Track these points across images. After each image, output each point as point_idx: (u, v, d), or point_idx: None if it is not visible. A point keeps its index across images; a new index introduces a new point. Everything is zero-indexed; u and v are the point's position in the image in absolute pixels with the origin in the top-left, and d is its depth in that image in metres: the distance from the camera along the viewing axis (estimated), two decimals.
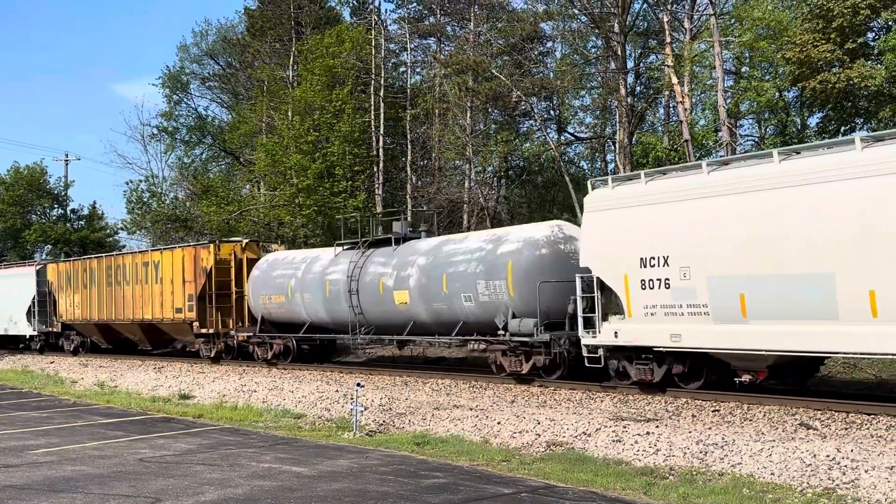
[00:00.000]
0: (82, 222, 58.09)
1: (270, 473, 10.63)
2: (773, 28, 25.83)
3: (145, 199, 50.62)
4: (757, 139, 31.11)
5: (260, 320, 26.24)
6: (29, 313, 36.56)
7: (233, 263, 27.48)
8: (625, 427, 12.21)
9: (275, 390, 18.66)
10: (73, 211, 59.09)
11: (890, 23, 21.85)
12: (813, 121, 28.23)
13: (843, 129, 25.83)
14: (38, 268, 37.22)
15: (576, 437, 12.17)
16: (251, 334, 26.50)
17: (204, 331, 27.52)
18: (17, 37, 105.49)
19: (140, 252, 32.26)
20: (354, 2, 45.39)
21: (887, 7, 21.82)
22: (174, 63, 51.57)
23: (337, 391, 17.61)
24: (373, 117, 37.29)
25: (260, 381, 20.28)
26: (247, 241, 28.55)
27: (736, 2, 31.42)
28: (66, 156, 59.60)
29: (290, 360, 25.38)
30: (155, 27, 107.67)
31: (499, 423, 13.35)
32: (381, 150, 37.20)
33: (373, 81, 37.38)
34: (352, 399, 14.22)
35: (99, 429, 15.24)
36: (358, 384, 14.67)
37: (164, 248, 30.48)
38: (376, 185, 37.13)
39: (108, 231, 57.39)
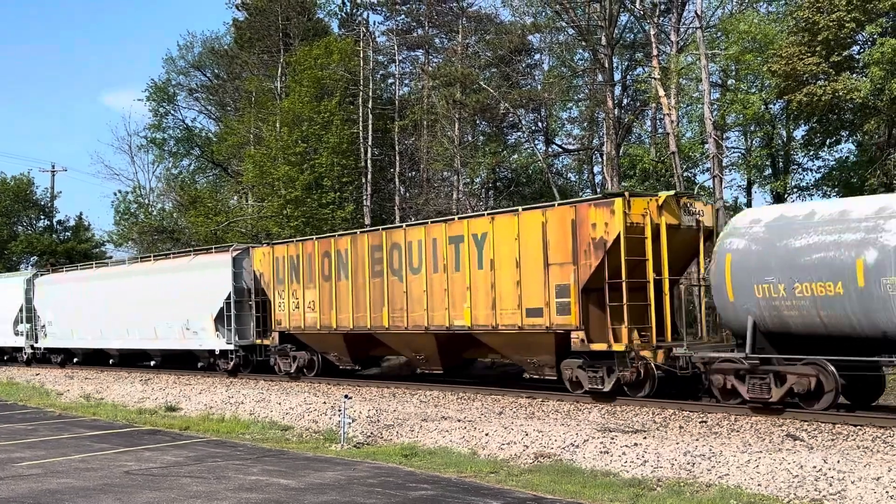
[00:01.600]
0: (69, 233, 57.86)
1: (258, 486, 10.58)
2: (760, 41, 26.05)
3: (132, 210, 50.49)
4: (743, 151, 31.31)
5: (751, 330, 14.53)
6: (220, 319, 25.91)
7: (647, 231, 16.62)
8: (612, 438, 12.21)
9: (262, 402, 18.58)
10: (59, 222, 58.89)
11: (875, 36, 22.04)
12: (799, 133, 28.48)
13: (828, 141, 26.05)
14: (236, 254, 26.15)
15: (563, 448, 12.17)
16: (727, 355, 15.08)
17: (597, 347, 16.64)
18: (2, 45, 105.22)
19: (443, 221, 20.20)
20: (343, 14, 45.55)
21: (872, 20, 22.02)
22: (160, 75, 51.64)
23: (324, 403, 17.55)
24: (361, 129, 37.33)
25: (247, 393, 20.20)
26: (667, 194, 17.23)
27: (722, 15, 31.72)
28: (53, 166, 59.47)
29: (831, 404, 14.02)
30: (142, 36, 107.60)
31: (487, 434, 13.34)
32: (369, 161, 37.22)
33: (361, 93, 37.44)
34: (339, 411, 14.18)
35: (85, 441, 15.14)
36: (346, 396, 14.64)
37: (498, 212, 19.20)
38: (364, 197, 37.14)
39: (95, 242, 57.19)
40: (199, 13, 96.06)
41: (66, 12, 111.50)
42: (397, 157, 38.03)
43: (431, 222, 20.58)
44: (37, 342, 34.95)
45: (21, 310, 35.33)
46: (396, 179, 38.52)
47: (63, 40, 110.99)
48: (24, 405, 22.09)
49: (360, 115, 37.45)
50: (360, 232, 22.90)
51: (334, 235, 23.35)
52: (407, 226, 21.35)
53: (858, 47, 23.71)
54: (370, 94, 37.60)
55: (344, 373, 24.57)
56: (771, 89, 25.82)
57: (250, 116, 41.36)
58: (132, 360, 32.08)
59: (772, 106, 28.16)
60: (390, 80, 42.44)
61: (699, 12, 27.01)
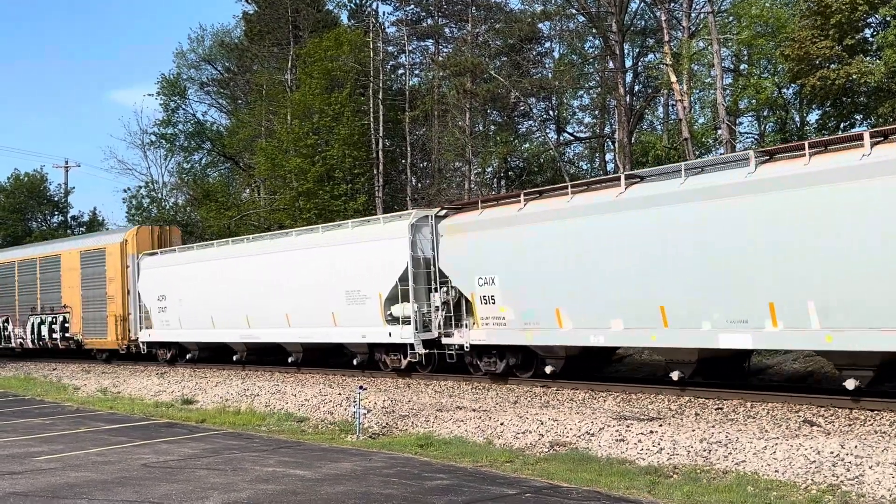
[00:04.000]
0: (83, 229, 58.14)
1: (274, 477, 10.61)
2: (772, 25, 25.87)
3: (145, 206, 50.67)
4: (756, 137, 31.14)
5: None
6: None
7: None
8: (628, 426, 12.18)
9: (277, 394, 18.63)
10: (73, 218, 59.20)
11: (888, 18, 21.86)
12: (812, 117, 28.30)
13: (842, 125, 25.88)
14: None
15: (579, 436, 12.15)
16: None
17: None
18: (11, 44, 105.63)
19: None
20: (352, 5, 45.50)
21: (885, 2, 21.82)
22: (171, 70, 51.77)
23: (339, 394, 17.59)
24: (372, 120, 37.33)
25: (262, 385, 20.26)
26: None
27: None
28: (66, 162, 59.74)
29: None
30: (153, 33, 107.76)
31: (502, 423, 13.33)
32: (380, 152, 37.23)
33: (371, 84, 37.42)
34: (354, 402, 14.21)
35: (102, 435, 15.22)
36: (360, 387, 14.65)
37: None
38: (376, 188, 37.14)
39: None
40: (208, 7, 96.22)
41: (75, 9, 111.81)
42: (408, 148, 38.02)
43: None
44: (449, 334, 19.74)
45: (405, 278, 20.33)
46: (408, 170, 38.51)
47: (74, 37, 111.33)
48: (41, 400, 22.22)
49: (371, 106, 37.44)
50: None
51: None
52: None
53: (871, 30, 23.53)
54: (381, 84, 37.57)
55: None
56: (784, 73, 25.65)
57: (261, 109, 41.41)
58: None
59: (785, 90, 27.99)
60: (400, 71, 42.43)
61: None
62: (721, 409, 14.15)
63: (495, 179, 39.11)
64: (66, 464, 12.15)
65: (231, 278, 25.48)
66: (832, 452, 9.81)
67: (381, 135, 37.23)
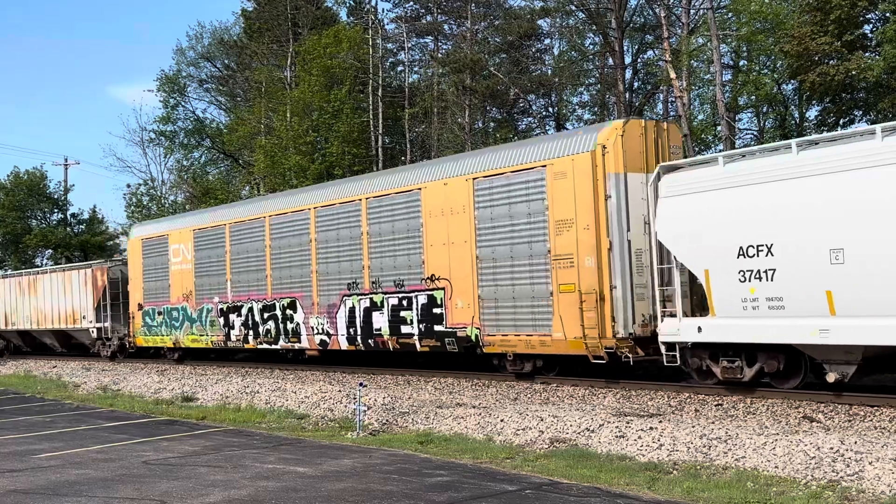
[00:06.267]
0: (83, 226, 58.10)
1: (274, 474, 10.63)
2: (771, 21, 25.87)
3: (145, 203, 50.65)
4: (756, 132, 31.15)
5: None
6: None
7: None
8: (628, 422, 12.19)
9: (277, 391, 18.64)
10: (73, 215, 59.15)
11: (887, 14, 21.85)
12: (812, 113, 28.32)
13: (842, 121, 25.90)
14: None
15: (579, 433, 12.16)
16: None
17: None
18: (9, 38, 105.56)
19: None
20: (351, 2, 45.49)
21: None
22: (171, 66, 51.76)
23: (340, 391, 17.59)
24: (371, 117, 37.33)
25: (263, 382, 20.26)
26: None
27: None
28: (66, 160, 59.62)
29: None
30: (151, 29, 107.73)
31: (502, 420, 13.34)
32: (380, 149, 37.22)
33: (371, 81, 37.41)
34: (354, 399, 14.22)
35: (102, 432, 15.23)
36: (361, 384, 14.66)
37: None
38: None
39: (109, 235, 57.41)
40: (208, 4, 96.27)
41: (74, 3, 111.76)
42: (408, 145, 38.03)
43: None
44: None
45: None
46: None
47: (72, 33, 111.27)
48: (41, 397, 22.23)
49: (370, 103, 37.44)
50: None
51: None
52: None
53: (871, 26, 23.53)
54: (380, 82, 37.57)
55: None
56: (783, 69, 25.66)
57: (261, 106, 41.43)
58: None
59: (784, 86, 28.00)
60: (400, 68, 42.44)
61: None
62: (721, 405, 14.16)
63: None
64: (67, 461, 12.16)
65: None
66: (832, 448, 9.82)
67: (380, 132, 37.23)
